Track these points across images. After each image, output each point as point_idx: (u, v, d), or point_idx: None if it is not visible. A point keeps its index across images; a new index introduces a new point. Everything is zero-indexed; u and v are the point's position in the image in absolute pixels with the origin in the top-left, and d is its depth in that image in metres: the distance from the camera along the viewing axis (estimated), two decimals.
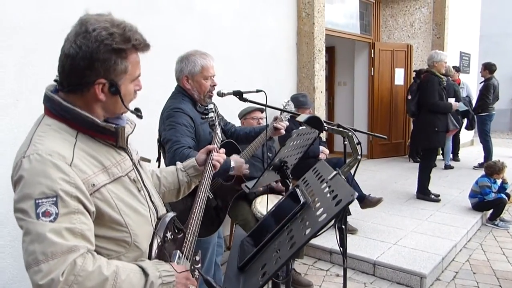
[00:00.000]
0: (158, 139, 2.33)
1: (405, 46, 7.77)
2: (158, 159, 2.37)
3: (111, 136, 1.15)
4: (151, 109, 2.25)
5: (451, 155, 7.20)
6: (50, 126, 1.08)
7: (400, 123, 7.90)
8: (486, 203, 4.51)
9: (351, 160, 1.91)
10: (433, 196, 4.97)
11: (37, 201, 0.95)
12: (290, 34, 4.60)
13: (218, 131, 1.85)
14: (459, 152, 7.59)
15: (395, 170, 6.82)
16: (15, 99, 2.41)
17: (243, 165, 2.20)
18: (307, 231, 0.93)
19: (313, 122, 1.49)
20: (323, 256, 3.59)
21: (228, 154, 2.16)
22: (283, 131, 2.53)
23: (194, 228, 1.33)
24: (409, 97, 5.21)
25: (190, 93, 2.31)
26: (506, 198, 4.54)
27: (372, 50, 7.49)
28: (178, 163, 1.63)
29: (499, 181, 4.60)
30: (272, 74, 4.35)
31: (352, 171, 3.78)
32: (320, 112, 4.78)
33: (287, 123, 2.57)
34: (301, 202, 1.02)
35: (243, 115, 3.60)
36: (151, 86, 2.64)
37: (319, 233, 0.94)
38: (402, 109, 7.82)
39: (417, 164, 5.27)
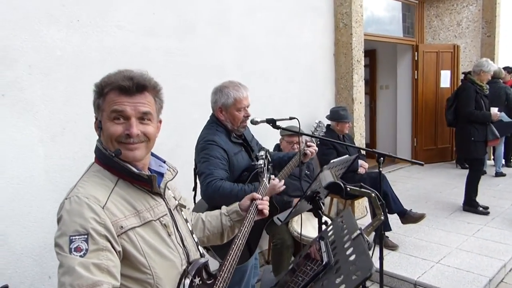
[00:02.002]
0: (194, 168, 2.40)
1: (452, 46, 7.45)
2: (195, 188, 2.44)
3: (146, 183, 1.27)
4: (188, 126, 2.32)
5: (503, 161, 6.83)
6: (95, 173, 1.24)
7: (447, 127, 7.58)
8: None
9: (375, 220, 1.89)
10: (481, 209, 4.75)
11: (71, 238, 1.07)
12: (327, 45, 4.56)
13: (265, 179, 1.86)
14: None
15: (441, 177, 6.58)
16: (62, 128, 2.57)
17: (277, 185, 2.18)
18: None
19: (334, 187, 1.49)
20: None
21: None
22: (312, 156, 2.53)
23: (226, 275, 1.32)
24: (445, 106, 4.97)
25: (224, 123, 2.36)
26: None
27: (416, 53, 7.26)
28: (222, 207, 1.68)
29: None
30: (309, 86, 4.34)
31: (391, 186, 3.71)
32: (360, 123, 4.71)
33: (316, 149, 2.57)
34: (324, 262, 1.03)
35: (282, 135, 3.61)
36: (190, 105, 2.76)
37: None
38: None
39: (465, 171, 5.04)
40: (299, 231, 2.97)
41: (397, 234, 4.03)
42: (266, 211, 1.63)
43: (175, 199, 1.43)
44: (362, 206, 4.71)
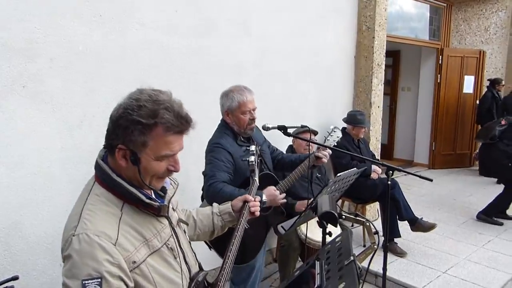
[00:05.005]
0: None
1: (477, 52, 7.32)
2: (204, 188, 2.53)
3: (154, 209, 1.24)
4: (206, 125, 2.38)
5: None
6: (99, 197, 1.19)
7: (467, 133, 7.49)
8: None
9: (368, 248, 1.93)
10: (495, 219, 4.72)
11: (83, 282, 1.04)
12: (349, 48, 4.56)
13: (256, 177, 1.92)
14: None
15: (457, 184, 6.53)
16: (80, 121, 2.63)
17: (277, 197, 2.24)
18: None
19: (327, 217, 1.53)
20: (368, 279, 3.59)
21: (266, 186, 2.26)
22: (325, 160, 2.57)
23: (222, 284, 1.37)
24: (503, 122, 4.79)
25: (231, 126, 2.45)
26: None
27: (440, 56, 7.16)
28: (214, 205, 1.73)
29: None
30: (327, 88, 4.36)
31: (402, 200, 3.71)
32: (376, 127, 4.71)
33: (330, 152, 2.60)
34: (316, 286, 1.09)
35: (295, 134, 3.66)
36: (207, 103, 2.82)
37: None
38: (470, 118, 7.42)
39: (484, 179, 4.88)
40: (308, 234, 3.04)
41: (407, 240, 4.04)
42: (257, 213, 1.67)
43: (174, 210, 1.43)
44: (374, 209, 4.73)
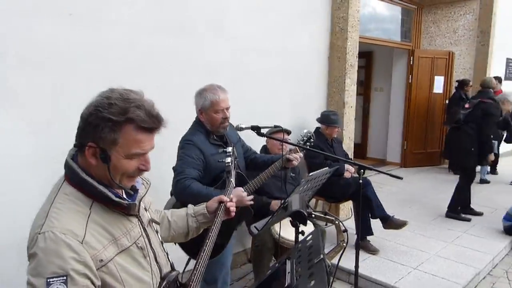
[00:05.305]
0: None
1: (447, 53, 7.54)
2: None
3: (123, 208, 1.23)
4: (180, 125, 2.37)
5: (488, 168, 6.97)
6: (68, 196, 1.17)
7: (437, 131, 7.71)
8: None
9: (337, 247, 1.97)
10: (463, 215, 4.89)
11: (48, 280, 1.02)
12: (322, 48, 4.61)
13: (232, 178, 1.93)
14: (497, 165, 7.33)
15: (428, 182, 6.71)
16: (50, 120, 2.57)
17: (244, 198, 2.25)
18: None
19: (297, 216, 1.56)
20: (341, 276, 3.65)
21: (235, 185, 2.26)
22: (295, 163, 2.60)
23: (195, 284, 1.36)
24: (467, 105, 5.02)
25: (204, 125, 2.46)
26: None
27: (411, 57, 7.34)
28: (189, 207, 1.72)
29: None
30: (302, 88, 4.40)
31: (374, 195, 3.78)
32: (350, 127, 4.78)
33: (301, 155, 2.63)
34: (286, 285, 1.11)
35: (268, 134, 3.67)
36: (181, 103, 2.81)
37: None
38: (440, 118, 7.63)
39: (453, 177, 5.13)
40: (281, 233, 3.06)
41: (379, 238, 4.13)
42: (233, 213, 1.67)
43: (146, 210, 1.42)
44: (347, 208, 4.81)
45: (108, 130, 1.14)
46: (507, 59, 8.57)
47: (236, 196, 2.20)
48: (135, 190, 1.30)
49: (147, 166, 1.23)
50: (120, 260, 1.19)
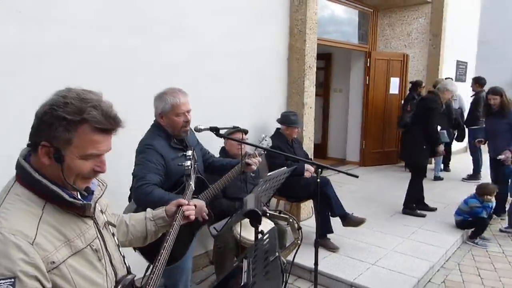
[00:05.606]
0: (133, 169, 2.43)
1: (401, 55, 7.83)
2: (132, 189, 2.48)
3: (77, 208, 1.21)
4: (138, 128, 2.32)
5: (441, 166, 7.29)
6: (19, 196, 1.14)
7: (393, 131, 7.97)
8: (469, 222, 4.60)
9: (292, 244, 2.00)
10: (418, 212, 5.09)
11: None
12: (281, 50, 4.67)
13: (192, 182, 1.91)
14: (450, 162, 7.68)
15: (386, 180, 6.93)
16: None
17: (203, 209, 2.21)
18: None
19: (252, 215, 1.58)
20: (303, 275, 3.70)
21: (197, 189, 2.24)
22: (254, 167, 2.60)
23: (154, 282, 1.33)
24: (409, 108, 5.26)
25: (165, 128, 2.42)
26: (488, 219, 4.63)
27: (368, 59, 7.56)
28: (148, 210, 1.69)
29: (489, 203, 4.65)
30: (261, 90, 4.43)
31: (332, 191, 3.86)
32: (309, 127, 4.86)
33: (260, 160, 2.64)
34: (242, 284, 1.11)
35: (226, 135, 3.67)
36: (139, 105, 2.75)
37: None
38: (396, 118, 7.90)
39: (410, 175, 5.33)
40: (243, 234, 3.07)
41: (339, 236, 4.21)
42: (193, 217, 1.65)
43: (102, 212, 1.40)
44: (308, 207, 4.88)
45: (63, 129, 1.12)
46: (457, 61, 9.01)
47: (199, 207, 2.17)
48: (89, 191, 1.28)
49: (103, 168, 1.21)
50: (73, 262, 1.17)
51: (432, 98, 5.01)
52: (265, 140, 2.75)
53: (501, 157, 4.84)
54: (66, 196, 1.17)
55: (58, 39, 2.68)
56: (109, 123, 1.17)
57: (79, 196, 1.25)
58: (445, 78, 7.04)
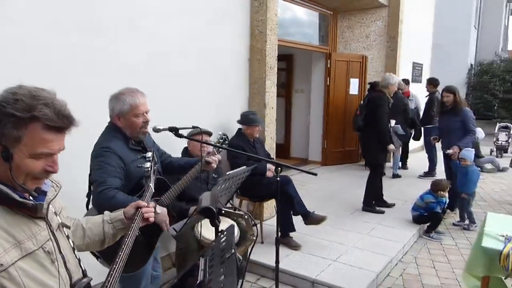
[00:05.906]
0: (89, 174, 2.35)
1: (360, 57, 8.04)
2: (89, 195, 2.40)
3: (29, 209, 1.17)
4: (92, 128, 2.25)
5: (399, 164, 7.55)
6: None
7: (355, 131, 8.15)
8: (425, 217, 4.79)
9: (247, 240, 2.03)
10: (377, 208, 5.25)
11: None
12: (242, 51, 4.68)
13: (151, 183, 1.88)
14: (407, 160, 7.96)
15: (347, 178, 7.09)
16: None
17: (166, 221, 2.17)
18: None
19: (206, 212, 1.60)
20: (266, 274, 3.73)
21: (158, 191, 2.21)
22: (214, 165, 2.60)
23: (111, 285, 1.30)
24: (358, 112, 5.45)
25: (122, 130, 2.34)
26: (442, 213, 4.84)
27: (329, 60, 7.71)
28: (105, 213, 1.65)
29: (443, 198, 4.86)
30: (223, 91, 4.43)
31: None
32: (271, 127, 4.90)
33: (219, 157, 2.64)
34: (198, 282, 1.12)
35: (190, 135, 3.65)
36: (92, 106, 2.68)
37: None
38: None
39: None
40: (205, 235, 3.05)
41: (301, 234, 4.27)
42: (152, 219, 1.62)
43: (56, 215, 1.36)
44: (271, 207, 4.92)
45: (11, 126, 1.09)
46: (414, 63, 9.37)
47: (163, 215, 2.13)
48: (40, 192, 1.23)
49: (55, 168, 1.18)
50: (23, 264, 1.12)
51: (378, 96, 5.20)
52: (222, 138, 2.73)
53: (449, 151, 5.10)
54: (16, 197, 1.13)
55: (4, 37, 2.57)
56: (61, 122, 1.14)
57: (30, 197, 1.20)
58: (402, 79, 7.30)
